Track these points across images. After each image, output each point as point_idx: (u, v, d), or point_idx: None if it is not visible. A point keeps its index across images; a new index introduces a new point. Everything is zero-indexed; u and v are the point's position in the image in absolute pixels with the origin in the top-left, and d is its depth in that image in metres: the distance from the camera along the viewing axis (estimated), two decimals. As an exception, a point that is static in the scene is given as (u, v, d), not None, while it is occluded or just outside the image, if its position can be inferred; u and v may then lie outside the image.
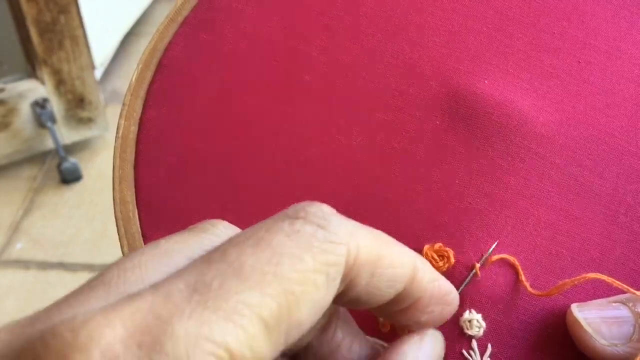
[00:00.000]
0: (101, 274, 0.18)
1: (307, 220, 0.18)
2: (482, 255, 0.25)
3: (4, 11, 1.02)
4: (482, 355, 0.24)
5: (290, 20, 0.30)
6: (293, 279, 0.17)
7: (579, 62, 0.28)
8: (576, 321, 0.24)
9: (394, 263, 0.19)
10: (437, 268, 0.25)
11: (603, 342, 0.23)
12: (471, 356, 0.24)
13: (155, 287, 0.16)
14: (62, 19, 1.03)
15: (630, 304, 0.24)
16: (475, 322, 0.24)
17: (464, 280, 0.25)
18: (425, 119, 0.28)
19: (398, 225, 0.26)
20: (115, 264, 0.18)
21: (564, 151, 0.27)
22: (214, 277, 0.16)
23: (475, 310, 0.25)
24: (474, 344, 0.24)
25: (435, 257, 0.25)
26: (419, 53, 0.29)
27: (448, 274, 0.25)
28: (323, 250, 0.17)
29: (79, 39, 1.06)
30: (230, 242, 0.18)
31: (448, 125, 0.27)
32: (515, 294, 0.25)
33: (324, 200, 0.26)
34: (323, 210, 0.18)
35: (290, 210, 0.18)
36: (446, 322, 0.24)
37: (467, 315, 0.24)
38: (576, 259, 0.25)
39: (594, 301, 0.25)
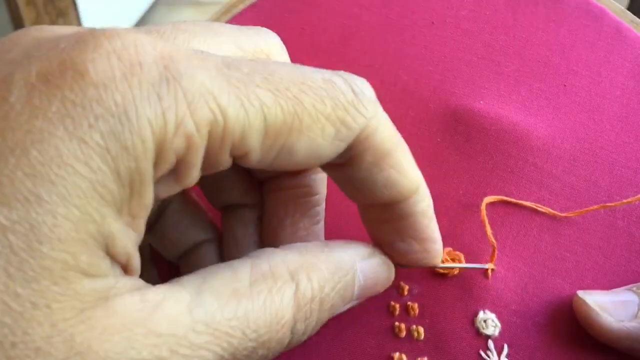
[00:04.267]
0: (157, 25, 0.19)
1: (346, 80, 0.19)
2: (492, 259, 0.26)
3: (3, 15, 1.03)
4: (499, 355, 0.24)
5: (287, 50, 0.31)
6: (307, 103, 0.18)
7: (565, 85, 0.31)
8: (582, 301, 0.24)
9: (399, 169, 0.20)
10: (449, 271, 0.26)
11: (609, 318, 0.23)
12: (488, 356, 0.24)
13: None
14: (60, 22, 1.04)
15: (635, 288, 0.24)
16: (491, 322, 0.25)
17: (477, 283, 0.26)
18: (427, 137, 0.29)
19: None
20: (173, 23, 0.20)
21: (560, 162, 0.28)
22: (247, 65, 0.17)
23: (489, 310, 0.25)
24: (491, 344, 0.24)
25: (449, 259, 0.26)
26: (415, 79, 0.31)
27: (460, 277, 0.26)
28: (344, 109, 0.18)
29: (77, 42, 1.06)
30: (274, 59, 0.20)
31: (449, 142, 0.29)
32: (526, 295, 0.25)
33: (332, 221, 0.26)
34: (364, 85, 0.19)
35: (339, 71, 0.19)
36: (461, 324, 0.25)
37: (482, 315, 0.25)
38: (580, 262, 0.26)
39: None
